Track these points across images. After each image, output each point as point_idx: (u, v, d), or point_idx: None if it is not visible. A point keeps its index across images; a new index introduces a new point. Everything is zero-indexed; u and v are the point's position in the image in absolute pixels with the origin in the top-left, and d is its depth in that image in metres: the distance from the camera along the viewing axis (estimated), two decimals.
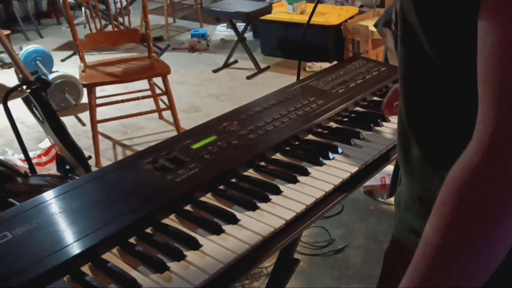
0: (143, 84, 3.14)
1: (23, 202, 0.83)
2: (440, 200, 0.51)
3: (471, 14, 0.49)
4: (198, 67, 4.29)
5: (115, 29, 3.04)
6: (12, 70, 3.96)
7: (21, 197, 1.57)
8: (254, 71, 4.04)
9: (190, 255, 0.73)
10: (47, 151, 2.57)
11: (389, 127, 1.16)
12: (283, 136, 1.06)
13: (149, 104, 3.20)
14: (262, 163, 1.00)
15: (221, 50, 4.67)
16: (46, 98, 1.88)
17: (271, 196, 0.88)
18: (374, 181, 2.37)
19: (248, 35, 4.62)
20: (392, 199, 2.29)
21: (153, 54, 2.96)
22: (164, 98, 2.97)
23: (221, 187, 0.92)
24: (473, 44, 0.50)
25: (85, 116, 3.32)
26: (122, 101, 2.90)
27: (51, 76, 3.40)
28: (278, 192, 0.89)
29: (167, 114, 3.17)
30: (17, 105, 2.23)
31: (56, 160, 2.36)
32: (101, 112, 2.81)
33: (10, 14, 5.65)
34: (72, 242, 0.72)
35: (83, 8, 4.31)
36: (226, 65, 4.21)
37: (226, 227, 0.79)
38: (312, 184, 0.92)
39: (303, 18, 4.06)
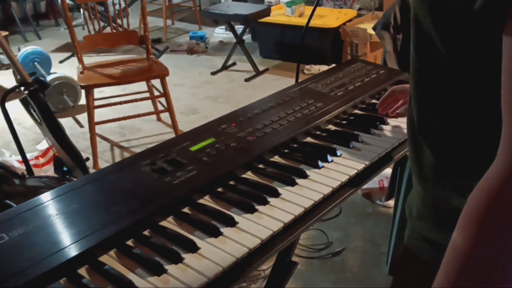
0: (141, 86, 3.14)
1: (20, 203, 0.83)
2: (464, 218, 0.51)
3: (495, 27, 0.49)
4: (196, 69, 4.29)
5: (114, 30, 3.04)
6: (10, 71, 3.95)
7: (18, 198, 1.57)
8: (252, 73, 4.04)
9: (188, 257, 0.73)
10: (44, 153, 2.57)
11: (388, 130, 1.16)
12: (282, 139, 1.06)
13: (147, 106, 3.20)
14: (261, 166, 1.00)
15: (220, 52, 4.67)
16: (44, 99, 1.87)
17: (269, 199, 0.87)
18: (372, 183, 2.36)
19: (247, 37, 4.63)
20: (390, 202, 2.29)
21: (151, 56, 2.96)
22: (162, 100, 2.97)
23: (220, 189, 0.91)
24: (493, 54, 0.50)
25: (83, 117, 3.32)
26: (120, 102, 2.89)
27: (49, 78, 3.39)
28: (276, 194, 0.89)
29: (165, 116, 3.17)
30: (15, 107, 2.22)
31: (54, 162, 2.35)
32: (99, 114, 2.80)
33: (8, 15, 5.64)
34: (69, 244, 0.72)
35: (81, 10, 4.30)
36: (225, 67, 4.21)
37: (224, 230, 0.79)
38: (311, 187, 0.92)
39: (302, 21, 4.07)
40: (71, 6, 5.17)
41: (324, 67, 3.93)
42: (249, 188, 0.91)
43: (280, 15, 4.28)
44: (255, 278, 1.86)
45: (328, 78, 1.38)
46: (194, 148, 1.00)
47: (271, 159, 1.02)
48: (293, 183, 0.92)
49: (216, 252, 0.74)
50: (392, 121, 1.19)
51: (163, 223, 0.82)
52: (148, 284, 0.68)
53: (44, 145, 2.61)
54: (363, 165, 1.00)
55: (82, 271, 0.72)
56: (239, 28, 4.35)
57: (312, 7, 1.59)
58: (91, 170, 2.46)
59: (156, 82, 2.94)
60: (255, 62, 4.10)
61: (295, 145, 1.08)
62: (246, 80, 3.97)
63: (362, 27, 3.89)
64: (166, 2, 5.28)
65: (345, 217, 2.25)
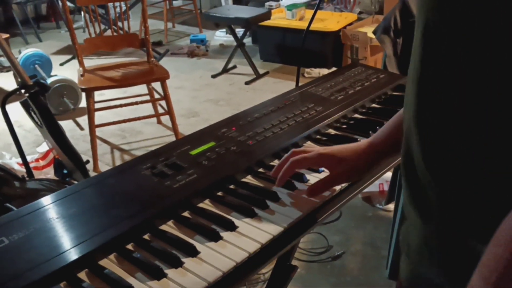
0: (141, 88, 3.14)
1: (20, 206, 0.83)
2: (499, 238, 0.46)
3: None
4: (197, 72, 4.30)
5: (114, 33, 3.04)
6: (10, 73, 3.96)
7: (18, 201, 1.57)
8: (253, 76, 4.05)
9: (188, 262, 0.73)
10: (45, 155, 2.57)
11: None
12: (282, 143, 1.06)
13: (148, 108, 3.21)
14: (261, 170, 1.00)
15: (220, 55, 4.68)
16: (44, 102, 1.88)
17: (269, 203, 0.87)
18: (372, 187, 2.37)
19: (247, 40, 4.63)
20: (390, 206, 2.29)
21: (152, 59, 2.97)
22: (163, 103, 2.97)
23: (220, 193, 0.91)
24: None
25: (83, 120, 3.32)
26: (121, 105, 2.90)
27: (49, 80, 3.40)
28: (276, 199, 0.89)
29: (165, 119, 3.18)
30: (15, 109, 2.22)
31: (54, 164, 2.35)
32: (99, 117, 2.81)
33: (9, 18, 5.66)
34: (69, 248, 0.72)
35: (82, 12, 4.31)
36: (225, 70, 4.22)
37: (224, 234, 0.79)
38: None
39: (302, 24, 4.08)
40: (72, 9, 5.19)
41: (325, 71, 3.94)
42: (249, 192, 0.91)
43: (281, 18, 4.29)
44: (254, 282, 1.86)
45: (328, 82, 1.38)
46: (194, 152, 1.00)
47: (271, 163, 1.02)
48: (292, 187, 0.92)
49: (216, 256, 0.74)
50: None
51: (163, 227, 0.82)
52: None
53: (44, 147, 2.62)
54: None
55: (82, 275, 0.72)
56: (239, 31, 4.36)
57: (312, 11, 1.59)
58: (92, 173, 2.46)
59: (157, 85, 2.94)
60: (255, 65, 4.11)
61: None
62: (247, 83, 3.97)
63: (362, 30, 3.90)
64: (167, 5, 5.30)
65: (345, 221, 2.25)
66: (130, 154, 2.95)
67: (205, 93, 3.81)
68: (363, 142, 0.92)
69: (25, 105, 1.94)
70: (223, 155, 0.99)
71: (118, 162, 2.87)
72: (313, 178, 0.96)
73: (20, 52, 4.14)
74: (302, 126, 1.13)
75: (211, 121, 1.16)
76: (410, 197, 0.64)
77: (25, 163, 1.97)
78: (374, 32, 2.05)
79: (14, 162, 2.49)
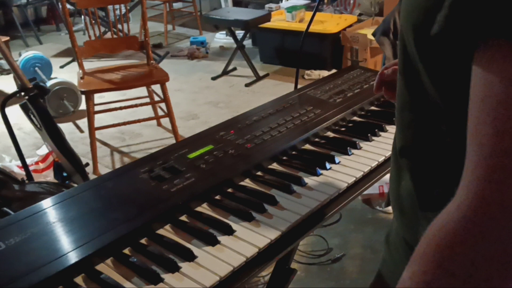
0: (141, 91, 3.14)
1: (19, 209, 0.82)
2: (418, 254, 0.48)
3: (467, 58, 0.45)
4: (197, 74, 4.30)
5: (114, 36, 3.04)
6: (10, 76, 3.96)
7: (17, 204, 1.57)
8: (252, 78, 4.05)
9: (185, 266, 0.73)
10: (44, 158, 2.57)
11: (386, 136, 1.15)
12: (280, 146, 1.06)
13: (147, 111, 3.20)
14: (259, 173, 0.99)
15: (220, 57, 4.68)
16: (44, 105, 1.88)
17: (267, 207, 0.87)
18: (372, 189, 2.36)
19: (247, 42, 4.64)
20: (389, 208, 2.28)
21: (151, 61, 2.97)
22: (162, 105, 2.97)
23: (217, 197, 0.91)
24: (469, 84, 0.46)
25: (83, 122, 3.32)
26: (121, 108, 2.90)
27: (49, 83, 3.40)
28: (274, 202, 0.89)
29: (165, 121, 3.17)
30: (15, 112, 2.22)
31: (54, 167, 2.35)
32: (99, 119, 2.81)
33: (9, 20, 5.66)
34: (66, 253, 0.72)
35: (82, 15, 4.32)
36: (225, 72, 4.22)
37: (222, 238, 0.79)
38: (308, 194, 0.91)
39: (302, 26, 4.08)
40: (72, 11, 5.19)
41: (325, 73, 3.94)
42: (247, 195, 0.91)
43: (281, 20, 4.29)
44: (254, 285, 1.86)
45: (327, 84, 1.38)
46: (192, 155, 0.99)
47: (269, 166, 1.02)
48: (291, 191, 0.92)
49: (213, 260, 0.74)
50: (391, 128, 1.19)
51: (161, 231, 0.82)
52: None
53: (44, 150, 2.61)
54: (362, 173, 1.00)
55: (79, 279, 0.72)
56: (239, 33, 4.36)
57: (312, 13, 1.59)
58: (91, 176, 2.45)
59: (156, 87, 2.94)
60: (255, 67, 4.10)
61: (293, 152, 1.08)
62: (247, 85, 3.97)
63: (362, 32, 3.90)
64: (166, 7, 5.30)
65: (345, 223, 2.24)
66: (130, 156, 2.94)
67: (205, 96, 3.81)
68: None
69: (24, 108, 1.94)
70: (221, 158, 0.99)
71: (117, 165, 2.87)
72: (311, 181, 0.96)
73: (20, 55, 4.14)
74: (300, 129, 1.13)
75: (210, 123, 1.16)
76: (391, 185, 0.67)
77: (24, 166, 1.97)
78: (374, 34, 2.05)
79: (13, 165, 2.49)
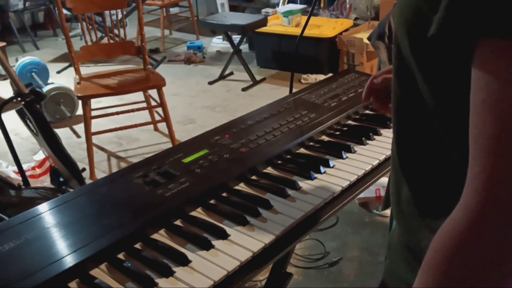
0: (138, 96, 3.15)
1: (15, 215, 0.83)
2: (427, 263, 0.48)
3: (466, 60, 0.46)
4: (194, 78, 4.30)
5: (111, 41, 3.05)
6: (7, 82, 3.95)
7: (13, 209, 1.56)
8: (249, 83, 4.06)
9: (179, 271, 0.73)
10: (41, 163, 2.57)
11: (381, 140, 1.16)
12: (275, 150, 1.06)
13: (144, 116, 3.21)
14: (254, 177, 1.00)
15: (217, 62, 4.69)
16: (40, 110, 1.88)
17: (261, 211, 0.87)
18: (368, 193, 2.36)
19: (244, 47, 4.64)
20: (387, 211, 2.29)
21: (148, 66, 2.97)
22: (159, 110, 2.97)
23: (212, 201, 0.91)
24: (468, 86, 0.46)
25: (80, 128, 3.32)
26: (117, 113, 2.90)
27: (46, 88, 3.40)
28: (269, 206, 0.89)
29: (162, 126, 3.17)
30: (11, 117, 2.22)
31: (50, 173, 2.35)
32: (96, 124, 2.81)
33: (6, 26, 5.66)
34: (60, 258, 0.72)
35: (79, 20, 4.32)
36: (222, 77, 4.22)
37: (216, 243, 0.79)
38: (303, 198, 0.92)
39: (298, 31, 4.07)
40: (68, 17, 5.20)
41: (321, 76, 3.95)
42: (242, 200, 0.91)
43: (277, 25, 4.30)
44: None
45: (322, 88, 1.38)
46: (187, 160, 1.00)
47: (264, 171, 1.02)
48: (285, 195, 0.92)
49: (208, 265, 0.74)
50: (385, 132, 1.19)
51: (155, 236, 0.82)
52: None
53: (40, 155, 2.61)
54: (356, 176, 1.00)
55: (73, 284, 0.72)
56: (236, 38, 4.37)
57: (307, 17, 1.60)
58: (88, 181, 2.45)
59: (153, 92, 2.95)
60: (252, 71, 4.11)
61: (288, 156, 1.08)
62: (243, 89, 3.98)
63: (358, 36, 3.91)
64: (163, 12, 5.31)
65: (342, 227, 2.24)
66: (126, 161, 2.94)
67: (202, 100, 3.81)
68: None
69: (21, 113, 1.94)
70: (215, 162, 0.99)
71: (114, 170, 2.86)
72: (305, 185, 0.96)
73: (17, 60, 4.14)
74: (295, 133, 1.13)
75: (207, 127, 1.16)
76: (392, 190, 0.66)
77: (21, 171, 1.97)
78: (369, 38, 2.06)
79: (10, 170, 2.49)
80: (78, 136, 3.27)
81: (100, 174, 2.75)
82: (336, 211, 0.94)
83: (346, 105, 1.28)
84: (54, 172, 2.24)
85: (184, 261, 0.74)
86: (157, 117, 3.16)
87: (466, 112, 0.46)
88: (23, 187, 1.87)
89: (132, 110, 2.93)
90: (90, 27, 2.94)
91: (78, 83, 2.76)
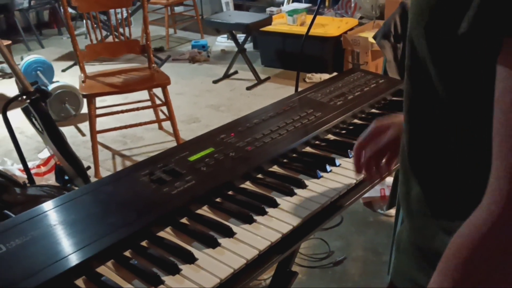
0: (143, 94, 3.15)
1: (20, 213, 0.83)
2: (445, 263, 0.47)
3: (491, 56, 0.45)
4: (198, 78, 4.31)
5: (116, 40, 3.05)
6: (12, 80, 3.97)
7: (19, 207, 1.57)
8: (254, 82, 4.05)
9: (185, 269, 0.73)
10: (46, 162, 2.57)
11: None
12: (281, 149, 1.06)
13: (149, 114, 3.21)
14: (259, 176, 1.00)
15: (221, 61, 4.69)
16: (45, 108, 1.88)
17: (267, 209, 0.87)
18: (373, 192, 2.36)
19: (248, 46, 4.64)
20: (391, 211, 2.28)
21: (153, 65, 2.97)
22: (164, 108, 2.98)
23: (218, 199, 0.91)
24: (488, 86, 0.46)
25: (84, 126, 3.33)
26: (122, 111, 2.90)
27: (51, 86, 3.41)
28: (275, 205, 0.89)
29: (166, 124, 3.18)
30: (16, 115, 2.23)
31: (55, 171, 2.35)
32: (100, 123, 2.81)
33: (11, 24, 5.68)
34: (67, 256, 0.72)
35: (84, 19, 4.33)
36: (226, 76, 4.22)
37: (222, 241, 0.79)
38: (309, 197, 0.91)
39: (303, 30, 4.08)
40: (73, 15, 5.21)
41: (326, 76, 3.94)
42: (248, 198, 0.91)
43: (282, 24, 4.29)
44: None
45: (328, 87, 1.38)
46: (192, 158, 1.00)
47: (270, 169, 1.02)
48: (291, 193, 0.92)
49: (214, 263, 0.74)
50: None
51: (161, 233, 0.82)
52: None
53: (45, 153, 2.62)
54: (362, 175, 0.99)
55: (79, 282, 0.72)
56: (241, 37, 4.37)
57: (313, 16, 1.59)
58: (93, 179, 2.46)
59: (158, 91, 2.95)
60: (256, 70, 4.11)
61: (294, 155, 1.08)
62: (248, 88, 3.98)
63: (363, 35, 3.91)
64: (168, 11, 5.31)
65: (346, 226, 2.24)
66: (131, 160, 2.95)
67: (206, 99, 3.82)
68: None
69: (26, 112, 1.94)
70: (221, 161, 0.99)
71: (119, 168, 2.87)
72: (311, 184, 0.96)
73: (22, 59, 4.15)
74: (300, 131, 1.13)
75: (211, 126, 1.16)
76: (401, 191, 0.65)
77: (26, 169, 1.98)
78: (374, 37, 2.06)
79: (15, 168, 2.49)
80: (83, 135, 3.27)
81: (104, 173, 2.76)
82: (342, 210, 0.94)
83: (352, 104, 1.27)
84: (59, 170, 2.25)
85: (190, 259, 0.74)
86: (162, 116, 3.16)
87: (483, 111, 0.45)
88: (28, 185, 1.87)
89: (137, 109, 2.94)
90: (95, 25, 2.95)
91: (83, 82, 2.77)
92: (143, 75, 2.90)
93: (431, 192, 0.60)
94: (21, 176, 2.34)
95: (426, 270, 0.48)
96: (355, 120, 1.26)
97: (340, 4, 4.75)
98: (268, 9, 4.78)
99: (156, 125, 3.27)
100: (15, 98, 1.83)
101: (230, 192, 0.93)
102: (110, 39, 4.21)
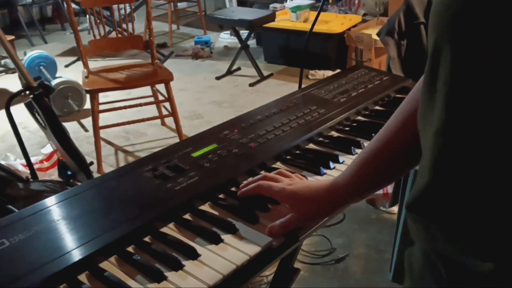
0: (146, 90, 3.15)
1: (23, 208, 0.83)
2: None
3: None
4: (201, 74, 4.30)
5: (119, 35, 3.05)
6: (15, 75, 3.97)
7: (22, 202, 1.57)
8: (257, 78, 4.05)
9: (188, 265, 0.73)
10: (49, 157, 2.58)
11: None
12: (284, 145, 1.05)
13: (152, 110, 3.21)
14: (262, 172, 0.99)
15: (224, 57, 4.68)
16: (48, 103, 1.88)
17: (271, 206, 0.87)
18: None
19: (252, 42, 4.64)
20: (394, 208, 2.28)
21: (156, 61, 2.97)
22: (167, 104, 2.98)
23: (221, 196, 0.91)
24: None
25: (87, 121, 3.33)
26: (125, 107, 2.91)
27: (54, 82, 3.41)
28: (278, 202, 0.88)
29: (169, 120, 3.18)
30: (19, 110, 2.23)
31: (58, 166, 2.36)
32: (103, 118, 2.82)
33: (14, 19, 5.69)
34: (70, 250, 0.72)
35: (87, 14, 4.33)
36: (229, 72, 4.22)
37: (225, 237, 0.79)
38: None
39: (306, 26, 4.08)
40: (77, 11, 5.21)
41: (329, 72, 3.94)
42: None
43: (285, 20, 4.29)
44: (257, 284, 1.86)
45: (331, 84, 1.37)
46: (196, 154, 0.99)
47: (273, 166, 1.02)
48: None
49: (217, 259, 0.74)
50: None
51: (164, 229, 0.82)
52: None
53: (48, 149, 2.62)
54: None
55: (82, 277, 0.72)
56: (244, 33, 4.36)
57: (317, 13, 1.59)
58: (95, 174, 2.46)
59: (161, 87, 2.95)
60: (259, 67, 4.10)
61: (297, 152, 1.07)
62: (251, 85, 3.97)
63: (366, 32, 3.90)
64: (171, 7, 5.31)
65: (348, 223, 2.24)
66: (134, 155, 2.95)
67: (209, 95, 3.81)
68: (324, 183, 0.82)
69: (29, 107, 1.94)
70: (224, 157, 0.99)
71: (122, 164, 2.87)
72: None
73: (25, 54, 4.16)
74: (304, 128, 1.12)
75: (214, 123, 1.16)
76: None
77: (29, 164, 1.98)
78: (378, 34, 2.05)
79: (18, 164, 2.50)
80: (86, 130, 3.28)
81: (107, 168, 2.77)
82: (346, 206, 0.93)
83: (356, 101, 1.27)
84: (62, 166, 2.25)
85: (193, 255, 0.74)
86: (165, 112, 3.16)
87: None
88: (31, 180, 1.88)
89: (140, 105, 2.94)
90: (98, 21, 2.94)
91: (86, 77, 2.77)
92: (146, 71, 2.90)
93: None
94: (24, 171, 2.34)
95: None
96: (359, 117, 1.25)
97: (344, 1, 4.73)
98: (271, 6, 4.77)
99: (158, 121, 3.28)
100: (18, 93, 1.84)
101: (233, 189, 0.93)
102: (113, 34, 4.21)
